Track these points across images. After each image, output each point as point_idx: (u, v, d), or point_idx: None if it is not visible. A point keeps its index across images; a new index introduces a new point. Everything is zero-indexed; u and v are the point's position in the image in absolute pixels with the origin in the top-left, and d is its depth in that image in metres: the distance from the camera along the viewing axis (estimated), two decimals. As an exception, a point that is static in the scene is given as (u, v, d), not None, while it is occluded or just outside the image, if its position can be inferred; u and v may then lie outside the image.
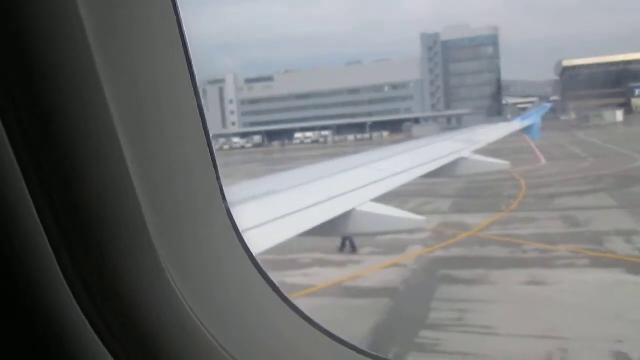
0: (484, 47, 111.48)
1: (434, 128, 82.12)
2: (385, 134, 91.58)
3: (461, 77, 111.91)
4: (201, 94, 1.06)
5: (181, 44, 1.00)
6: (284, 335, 1.20)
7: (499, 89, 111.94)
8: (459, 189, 24.03)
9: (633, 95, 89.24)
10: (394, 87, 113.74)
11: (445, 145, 13.27)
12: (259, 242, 4.29)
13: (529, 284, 11.52)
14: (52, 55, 0.85)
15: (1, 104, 0.86)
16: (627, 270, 11.82)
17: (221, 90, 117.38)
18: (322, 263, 14.17)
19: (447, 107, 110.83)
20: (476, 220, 18.26)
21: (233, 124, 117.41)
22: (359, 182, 7.43)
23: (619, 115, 79.97)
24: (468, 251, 14.62)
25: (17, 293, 0.91)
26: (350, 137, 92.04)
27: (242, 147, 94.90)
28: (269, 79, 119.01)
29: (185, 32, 1.01)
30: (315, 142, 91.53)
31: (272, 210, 5.44)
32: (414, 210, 18.94)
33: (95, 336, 0.96)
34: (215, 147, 1.12)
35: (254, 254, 1.21)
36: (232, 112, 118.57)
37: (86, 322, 0.95)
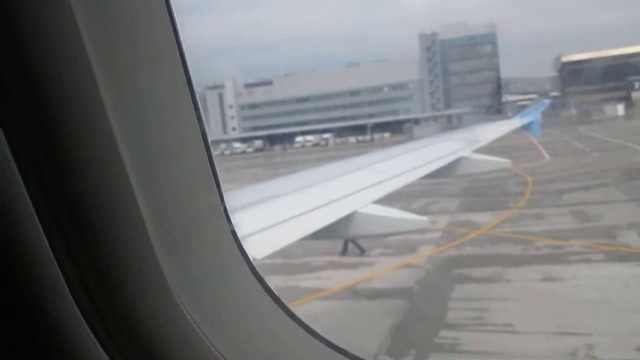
0: (482, 46, 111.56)
1: (434, 128, 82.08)
2: (387, 135, 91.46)
3: (460, 76, 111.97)
4: (201, 100, 1.09)
5: (178, 53, 1.03)
6: (283, 343, 1.24)
7: (498, 87, 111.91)
8: (465, 188, 23.93)
9: (633, 89, 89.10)
10: (394, 87, 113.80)
11: (446, 145, 13.24)
12: (260, 246, 4.25)
13: (545, 281, 11.43)
14: (51, 62, 0.87)
15: (0, 107, 0.88)
16: (643, 264, 11.77)
17: (221, 96, 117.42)
18: (334, 266, 14.09)
19: (447, 106, 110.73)
20: (486, 218, 18.16)
21: (233, 129, 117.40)
22: (360, 185, 7.43)
23: (620, 109, 79.84)
24: (480, 249, 14.52)
25: (17, 298, 0.93)
26: (352, 140, 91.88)
27: (243, 152, 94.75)
28: (268, 83, 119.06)
29: (182, 41, 1.03)
30: (317, 145, 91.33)
31: (275, 214, 5.45)
32: (420, 211, 18.94)
33: (95, 340, 0.98)
34: (216, 152, 1.16)
35: (252, 262, 1.23)
36: (232, 118, 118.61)
37: (86, 325, 0.97)
